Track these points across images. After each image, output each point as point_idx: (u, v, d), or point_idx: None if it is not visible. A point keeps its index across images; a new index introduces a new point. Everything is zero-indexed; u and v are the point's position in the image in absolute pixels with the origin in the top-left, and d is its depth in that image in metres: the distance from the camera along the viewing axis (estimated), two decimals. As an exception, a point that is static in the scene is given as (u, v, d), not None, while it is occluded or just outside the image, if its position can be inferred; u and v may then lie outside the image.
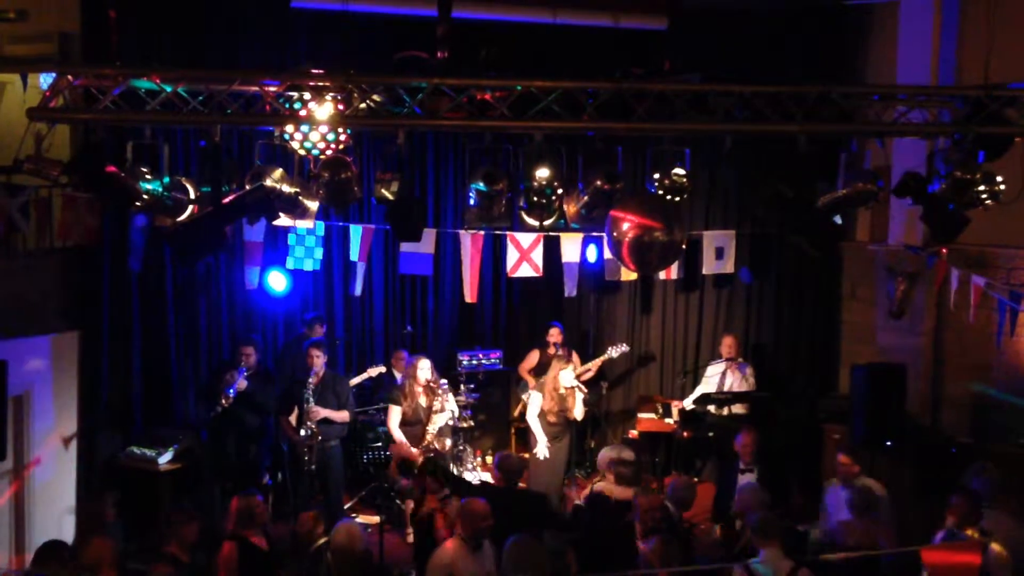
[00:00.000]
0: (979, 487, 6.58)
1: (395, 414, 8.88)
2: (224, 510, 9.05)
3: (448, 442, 8.78)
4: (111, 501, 6.87)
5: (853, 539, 6.45)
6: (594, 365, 10.35)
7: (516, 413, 10.54)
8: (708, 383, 10.38)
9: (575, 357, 10.20)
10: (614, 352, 10.39)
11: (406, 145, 6.46)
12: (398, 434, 8.86)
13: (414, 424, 8.82)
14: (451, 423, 9.19)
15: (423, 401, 8.79)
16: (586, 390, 9.09)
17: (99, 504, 6.74)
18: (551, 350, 10.24)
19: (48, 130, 6.23)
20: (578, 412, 8.91)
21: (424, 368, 8.80)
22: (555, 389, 8.83)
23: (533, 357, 10.44)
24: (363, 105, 6.29)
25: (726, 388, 10.16)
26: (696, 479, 10.22)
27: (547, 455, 8.86)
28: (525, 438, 9.43)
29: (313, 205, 7.18)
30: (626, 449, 7.93)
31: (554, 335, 10.30)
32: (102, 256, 8.92)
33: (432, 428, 8.73)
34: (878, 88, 8.09)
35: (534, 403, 9.02)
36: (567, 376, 8.79)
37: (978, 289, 8.66)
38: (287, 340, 10.32)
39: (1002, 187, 6.86)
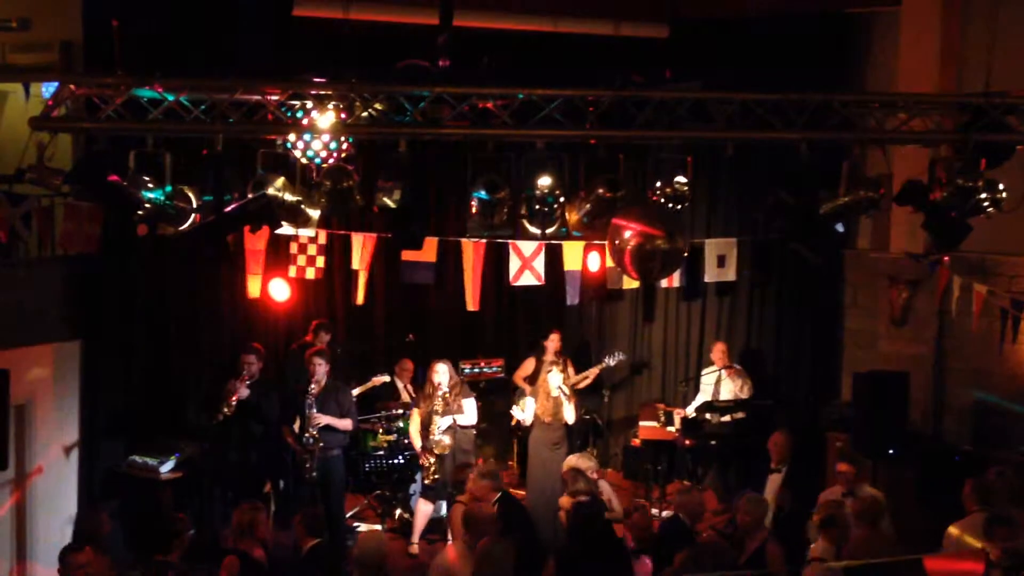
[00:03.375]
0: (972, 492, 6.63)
1: (415, 418, 8.97)
2: (225, 519, 9.08)
3: (446, 441, 8.74)
4: (106, 515, 6.85)
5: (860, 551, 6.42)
6: (591, 373, 10.29)
7: (514, 423, 10.52)
8: (705, 391, 10.38)
9: (570, 366, 10.19)
10: (611, 361, 10.33)
11: (408, 153, 6.46)
12: (415, 438, 8.92)
13: (427, 427, 8.84)
14: (469, 427, 9.17)
15: (435, 404, 8.79)
16: (569, 392, 9.07)
17: (94, 518, 6.70)
18: (549, 356, 10.23)
19: (50, 139, 6.24)
20: (569, 416, 8.91)
21: (439, 372, 8.80)
22: (547, 392, 8.85)
23: (528, 365, 10.36)
24: (365, 114, 6.30)
25: (722, 395, 10.15)
26: (699, 487, 10.22)
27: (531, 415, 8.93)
28: (526, 447, 9.42)
29: (315, 213, 7.18)
30: (583, 459, 7.90)
31: (554, 340, 10.28)
32: (104, 265, 8.92)
33: (435, 429, 8.72)
34: (880, 96, 8.09)
35: (529, 408, 9.05)
36: (555, 378, 8.82)
37: (980, 297, 8.66)
38: (289, 348, 10.32)
39: (1004, 195, 6.85)
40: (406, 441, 9.50)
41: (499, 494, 7.21)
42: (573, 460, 7.91)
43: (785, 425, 9.86)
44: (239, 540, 6.37)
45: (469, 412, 9.02)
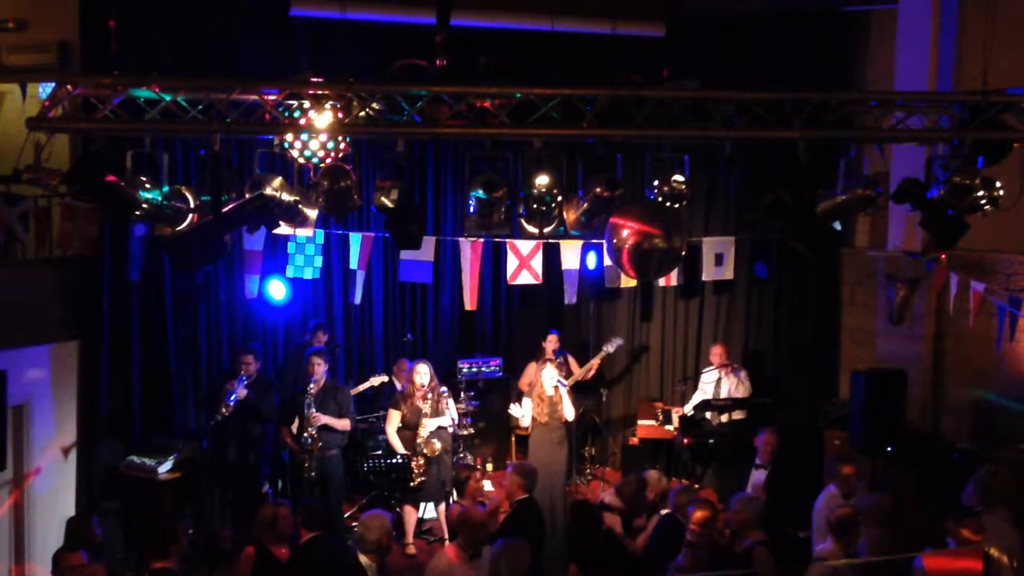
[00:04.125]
0: (974, 491, 6.61)
1: (393, 418, 8.94)
2: (224, 520, 9.09)
3: (437, 445, 8.76)
4: (97, 521, 6.82)
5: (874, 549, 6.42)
6: (593, 364, 10.31)
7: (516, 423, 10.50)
8: (704, 390, 10.39)
9: (572, 361, 10.19)
10: (609, 347, 10.36)
11: (405, 153, 6.46)
12: (393, 438, 8.90)
13: (411, 428, 8.83)
14: (451, 430, 9.17)
15: (421, 405, 8.80)
16: (568, 384, 9.07)
17: (84, 525, 6.65)
18: (547, 356, 10.24)
19: (47, 140, 6.23)
20: (568, 413, 8.90)
21: (422, 373, 8.82)
22: (541, 392, 8.84)
23: (531, 371, 10.40)
24: (362, 113, 6.30)
25: (723, 394, 10.16)
26: (697, 485, 10.23)
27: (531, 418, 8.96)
28: (526, 446, 9.42)
29: (313, 213, 7.18)
30: (658, 477, 7.64)
31: (552, 342, 10.29)
32: (102, 265, 8.90)
33: (423, 432, 8.73)
34: (877, 94, 8.09)
35: (527, 408, 9.04)
36: (548, 374, 8.81)
37: (977, 294, 8.66)
38: (287, 348, 10.32)
39: (1001, 192, 6.86)
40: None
41: (525, 496, 7.21)
42: (652, 471, 7.76)
43: (784, 424, 9.91)
44: (260, 535, 6.40)
45: (451, 413, 9.06)
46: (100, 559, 6.36)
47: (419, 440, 8.72)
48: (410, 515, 9.05)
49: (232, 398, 8.55)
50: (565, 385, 8.99)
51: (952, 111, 6.80)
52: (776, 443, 7.98)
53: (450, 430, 9.16)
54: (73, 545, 6.35)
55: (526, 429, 9.27)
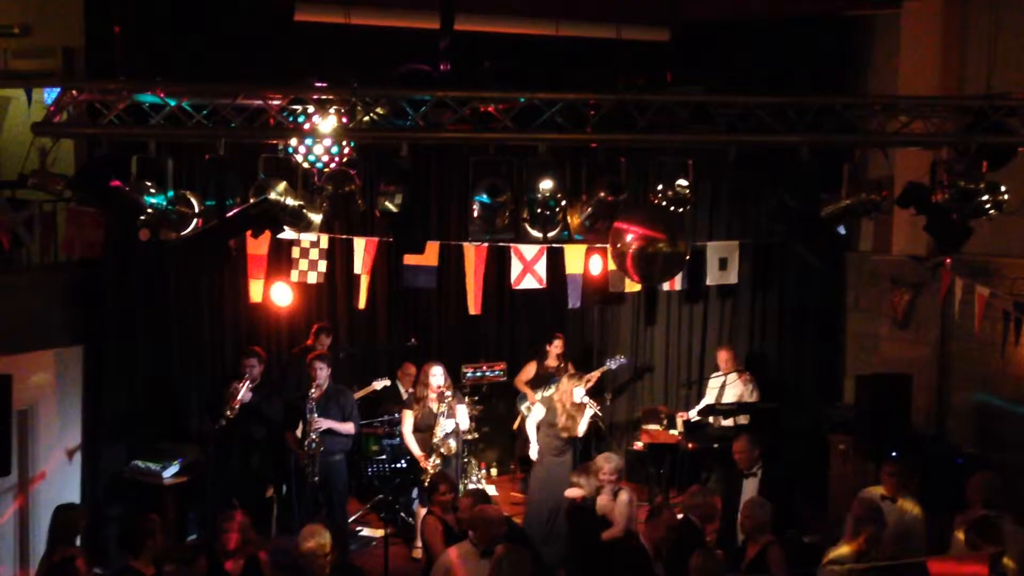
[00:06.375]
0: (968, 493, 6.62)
1: (408, 419, 8.90)
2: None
3: (452, 444, 8.76)
4: (83, 512, 6.78)
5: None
6: (593, 376, 10.26)
7: (515, 426, 10.48)
8: (710, 395, 10.37)
9: (571, 369, 10.18)
10: (612, 364, 10.32)
11: (409, 157, 6.47)
12: (409, 439, 8.87)
13: (424, 430, 8.81)
14: (462, 432, 9.15)
15: (434, 407, 8.79)
16: (597, 406, 9.05)
17: (70, 515, 6.59)
18: (551, 360, 10.21)
19: (52, 145, 6.26)
20: (580, 429, 8.89)
21: (436, 374, 8.79)
22: (564, 405, 8.80)
23: (530, 369, 10.40)
24: (366, 118, 6.31)
25: (726, 399, 10.14)
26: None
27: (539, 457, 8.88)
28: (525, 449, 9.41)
29: (317, 218, 7.19)
30: (605, 460, 7.76)
31: (557, 346, 10.27)
32: (106, 270, 8.93)
33: (439, 432, 8.73)
34: (881, 99, 8.09)
35: (535, 415, 9.01)
36: (580, 392, 8.79)
37: (982, 299, 8.64)
38: (291, 352, 10.32)
39: (1006, 197, 6.86)
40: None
41: None
42: (600, 458, 7.80)
43: (789, 428, 9.90)
44: (214, 545, 6.46)
45: (462, 416, 9.03)
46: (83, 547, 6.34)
47: (435, 440, 8.72)
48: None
49: (236, 401, 8.54)
50: (595, 409, 8.95)
51: (956, 115, 6.80)
52: (749, 448, 7.94)
53: (460, 430, 9.14)
54: (57, 537, 6.31)
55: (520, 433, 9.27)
